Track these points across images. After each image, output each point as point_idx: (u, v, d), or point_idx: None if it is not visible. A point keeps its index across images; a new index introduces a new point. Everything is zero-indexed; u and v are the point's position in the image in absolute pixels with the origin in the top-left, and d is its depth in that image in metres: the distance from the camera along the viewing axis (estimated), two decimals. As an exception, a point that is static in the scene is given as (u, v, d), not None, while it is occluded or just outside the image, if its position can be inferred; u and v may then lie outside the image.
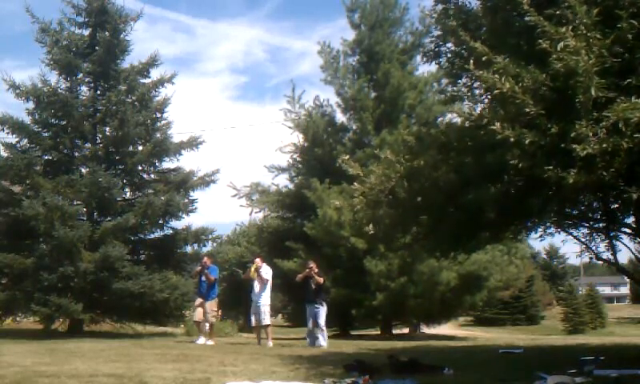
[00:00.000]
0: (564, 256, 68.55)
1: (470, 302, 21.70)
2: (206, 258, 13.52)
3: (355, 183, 9.52)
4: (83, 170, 17.46)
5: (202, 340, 12.73)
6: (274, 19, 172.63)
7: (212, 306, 13.17)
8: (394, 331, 22.37)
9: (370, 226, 9.48)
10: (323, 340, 12.84)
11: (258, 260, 13.42)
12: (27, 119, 17.33)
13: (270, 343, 12.73)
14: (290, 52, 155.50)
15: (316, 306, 12.85)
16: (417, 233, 9.66)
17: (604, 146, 5.90)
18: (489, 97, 7.60)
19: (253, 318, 13.17)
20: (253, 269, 13.16)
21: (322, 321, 12.85)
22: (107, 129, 17.94)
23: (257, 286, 13.02)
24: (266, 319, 13.09)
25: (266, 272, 13.13)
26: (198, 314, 13.07)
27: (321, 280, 12.94)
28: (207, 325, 13.12)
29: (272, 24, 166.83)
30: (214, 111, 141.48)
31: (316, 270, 12.98)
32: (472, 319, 41.97)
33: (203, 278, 13.06)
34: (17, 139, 17.26)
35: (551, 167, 6.34)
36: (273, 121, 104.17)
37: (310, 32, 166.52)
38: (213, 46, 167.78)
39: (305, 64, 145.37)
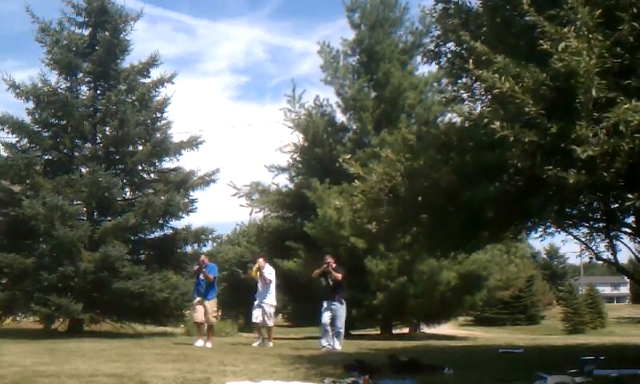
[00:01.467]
0: (564, 256, 68.59)
1: (470, 301, 21.69)
2: (203, 257, 13.06)
3: (356, 181, 9.53)
4: (83, 170, 17.48)
5: (200, 342, 12.24)
6: (275, 19, 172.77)
7: (212, 305, 12.76)
8: (394, 331, 22.38)
9: (374, 223, 9.47)
10: (338, 343, 11.82)
11: (260, 260, 13.05)
12: (27, 119, 17.38)
13: (271, 343, 12.49)
14: (291, 52, 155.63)
15: (333, 304, 11.80)
16: (417, 232, 9.66)
17: (604, 147, 5.89)
18: (489, 96, 7.60)
19: (254, 314, 12.71)
20: (254, 269, 12.81)
21: (339, 322, 11.84)
22: (107, 128, 17.95)
23: (259, 286, 12.74)
24: (270, 321, 12.73)
25: (269, 272, 12.80)
26: (199, 315, 12.52)
27: (339, 276, 11.85)
28: (206, 326, 12.62)
29: (273, 24, 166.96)
30: (215, 111, 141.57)
31: (334, 266, 11.99)
32: (472, 319, 41.98)
33: (202, 277, 12.55)
34: (17, 139, 17.29)
35: (551, 167, 6.34)
36: (273, 120, 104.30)
37: (310, 32, 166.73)
38: (214, 46, 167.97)
39: (306, 64, 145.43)
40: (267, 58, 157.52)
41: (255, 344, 12.53)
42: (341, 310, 11.77)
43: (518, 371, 7.65)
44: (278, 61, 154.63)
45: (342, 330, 11.98)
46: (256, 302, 12.71)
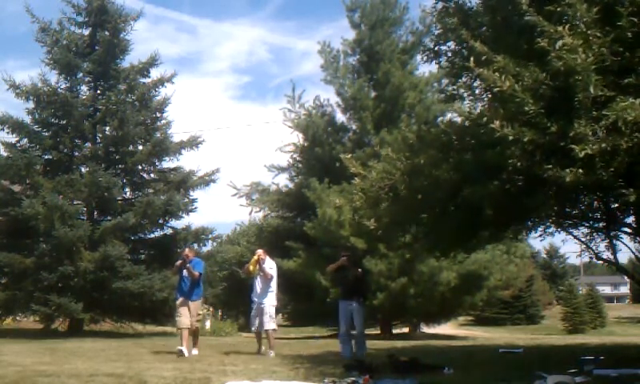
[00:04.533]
0: (564, 256, 68.56)
1: (470, 301, 21.67)
2: (187, 251, 11.00)
3: (356, 178, 9.52)
4: (83, 170, 17.51)
5: (186, 352, 10.03)
6: (277, 19, 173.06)
7: (197, 307, 10.60)
8: (394, 331, 22.36)
9: (372, 220, 9.45)
10: (360, 348, 10.01)
11: (260, 252, 10.77)
12: (27, 119, 17.43)
13: (272, 353, 10.19)
14: (293, 52, 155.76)
15: (351, 305, 10.00)
16: (417, 232, 9.66)
17: (603, 145, 5.89)
18: (489, 95, 7.60)
19: (256, 321, 10.56)
20: (253, 261, 10.60)
21: (359, 323, 10.04)
22: (107, 128, 17.99)
23: (259, 284, 10.53)
24: (270, 323, 10.48)
25: (271, 266, 10.61)
26: (184, 320, 10.32)
27: (359, 271, 10.33)
28: (192, 330, 10.52)
29: (275, 24, 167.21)
30: (217, 111, 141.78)
31: (354, 260, 10.39)
32: (472, 319, 41.95)
33: (185, 274, 10.53)
34: (17, 139, 17.33)
35: (550, 166, 6.33)
36: (273, 120, 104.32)
37: (312, 32, 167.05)
38: (216, 46, 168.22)
39: (308, 64, 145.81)
40: (269, 57, 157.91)
41: (262, 351, 10.49)
42: (359, 309, 10.04)
43: (517, 371, 7.64)
44: (280, 61, 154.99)
45: (363, 332, 10.28)
46: (254, 304, 10.62)
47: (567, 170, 6.12)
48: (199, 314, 10.91)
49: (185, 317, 10.34)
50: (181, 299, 10.54)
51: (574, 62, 5.83)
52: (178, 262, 10.83)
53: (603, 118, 5.90)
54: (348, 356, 9.57)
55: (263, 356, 10.09)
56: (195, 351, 10.32)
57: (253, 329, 10.78)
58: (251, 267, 10.61)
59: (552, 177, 6.32)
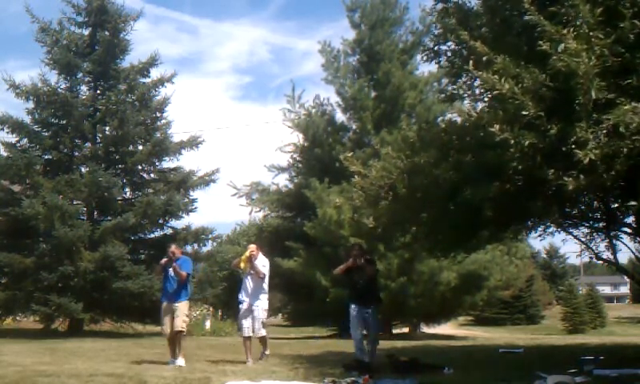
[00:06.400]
0: (564, 256, 68.56)
1: (470, 301, 21.69)
2: (174, 248, 9.47)
3: (356, 176, 9.51)
4: (83, 170, 17.52)
5: (180, 361, 8.79)
6: (278, 19, 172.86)
7: (184, 308, 9.08)
8: (394, 331, 22.36)
9: (371, 218, 9.43)
10: (372, 352, 8.75)
11: (252, 247, 9.40)
12: (27, 119, 17.44)
13: (268, 351, 9.48)
14: (294, 52, 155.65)
15: (367, 310, 8.66)
16: (417, 231, 9.65)
17: (605, 150, 5.87)
18: (489, 95, 7.59)
19: (244, 324, 9.25)
20: (244, 257, 9.30)
21: (375, 330, 8.78)
22: (107, 128, 18.00)
23: (249, 283, 9.27)
24: (262, 330, 9.21)
25: (263, 264, 9.29)
26: (166, 330, 9.02)
27: (372, 269, 9.06)
28: (176, 335, 8.97)
29: (276, 24, 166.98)
30: (217, 111, 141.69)
31: (367, 257, 9.11)
32: (472, 319, 41.95)
33: (171, 273, 9.11)
34: (17, 139, 17.33)
35: (552, 171, 6.32)
36: (273, 120, 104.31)
37: (313, 32, 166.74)
38: (217, 46, 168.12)
39: (309, 64, 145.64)
40: (270, 57, 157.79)
41: (249, 363, 8.92)
42: (376, 316, 8.84)
43: (517, 371, 7.65)
44: (280, 61, 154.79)
45: (377, 339, 8.99)
46: (244, 306, 9.25)
47: (569, 178, 6.09)
48: (186, 317, 9.37)
49: (167, 326, 9.03)
50: (165, 304, 9.17)
51: (576, 66, 5.80)
52: (163, 260, 9.46)
53: (604, 122, 5.89)
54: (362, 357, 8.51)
55: (257, 361, 9.09)
56: (181, 361, 8.79)
57: (245, 333, 9.29)
58: (242, 264, 9.37)
59: (553, 181, 6.31)
